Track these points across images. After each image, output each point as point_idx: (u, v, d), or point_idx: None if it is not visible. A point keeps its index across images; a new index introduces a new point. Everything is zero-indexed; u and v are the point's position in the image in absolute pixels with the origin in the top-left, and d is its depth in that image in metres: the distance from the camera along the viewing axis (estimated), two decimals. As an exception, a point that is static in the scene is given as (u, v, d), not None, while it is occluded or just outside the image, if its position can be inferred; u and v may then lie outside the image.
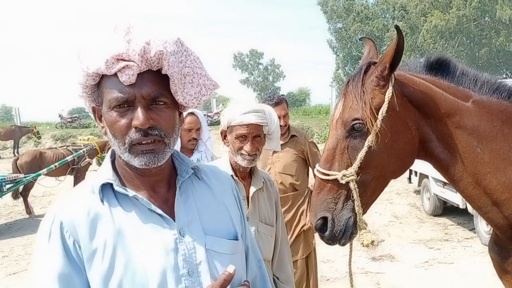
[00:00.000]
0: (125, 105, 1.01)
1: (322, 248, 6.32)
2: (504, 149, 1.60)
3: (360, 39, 1.95)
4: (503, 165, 1.59)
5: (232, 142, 2.11)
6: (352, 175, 1.63)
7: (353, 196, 1.65)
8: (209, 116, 21.58)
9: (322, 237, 1.75)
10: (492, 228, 1.81)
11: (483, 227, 5.90)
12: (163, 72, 1.02)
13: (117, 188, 1.06)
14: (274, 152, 3.36)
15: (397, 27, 1.63)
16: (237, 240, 1.14)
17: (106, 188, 1.07)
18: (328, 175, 1.65)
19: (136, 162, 1.03)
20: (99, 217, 1.03)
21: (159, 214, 1.06)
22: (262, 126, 2.08)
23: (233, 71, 62.58)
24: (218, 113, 20.32)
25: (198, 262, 1.06)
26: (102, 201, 1.04)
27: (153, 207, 1.05)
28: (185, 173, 1.14)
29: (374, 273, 5.24)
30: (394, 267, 5.43)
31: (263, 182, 2.24)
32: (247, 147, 2.07)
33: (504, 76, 33.13)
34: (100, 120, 1.09)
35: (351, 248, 1.97)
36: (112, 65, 0.97)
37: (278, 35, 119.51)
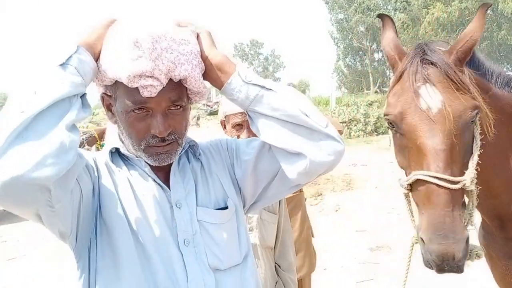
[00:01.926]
0: (143, 110, 1.04)
1: (319, 238, 6.38)
2: (505, 145, 1.59)
3: (378, 16, 1.81)
4: (502, 160, 1.59)
5: (230, 131, 2.12)
6: (475, 178, 1.39)
7: (470, 205, 1.47)
8: (208, 105, 21.56)
9: (458, 268, 1.46)
10: (483, 215, 1.83)
11: (480, 219, 5.94)
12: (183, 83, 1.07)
13: (124, 151, 1.13)
14: None
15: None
16: (226, 208, 1.16)
17: (115, 155, 1.14)
18: (455, 182, 1.35)
19: (150, 161, 1.09)
20: (112, 171, 1.11)
21: (159, 184, 1.12)
22: None
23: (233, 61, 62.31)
24: (217, 102, 20.32)
25: (193, 233, 1.10)
26: (112, 161, 1.13)
27: (154, 176, 1.11)
28: (183, 149, 1.18)
29: (371, 263, 5.27)
30: (392, 257, 5.46)
31: None
32: (243, 135, 2.06)
33: (505, 69, 33.09)
34: (108, 109, 1.12)
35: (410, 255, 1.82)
36: (134, 80, 0.98)
37: (279, 25, 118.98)
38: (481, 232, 1.87)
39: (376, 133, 18.58)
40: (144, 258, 1.04)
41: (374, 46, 47.22)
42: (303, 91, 61.16)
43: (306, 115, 1.04)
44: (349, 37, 46.96)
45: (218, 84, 1.09)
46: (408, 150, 1.46)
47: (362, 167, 12.04)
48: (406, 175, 1.48)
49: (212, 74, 1.09)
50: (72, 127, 0.87)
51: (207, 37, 1.12)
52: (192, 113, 19.73)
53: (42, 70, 0.89)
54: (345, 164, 12.50)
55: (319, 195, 9.25)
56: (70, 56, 0.92)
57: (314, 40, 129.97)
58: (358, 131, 18.41)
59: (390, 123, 1.49)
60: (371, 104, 21.66)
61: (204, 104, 21.59)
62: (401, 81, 1.50)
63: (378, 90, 41.80)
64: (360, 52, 48.23)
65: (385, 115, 1.51)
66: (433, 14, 35.77)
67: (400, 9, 40.97)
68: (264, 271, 2.10)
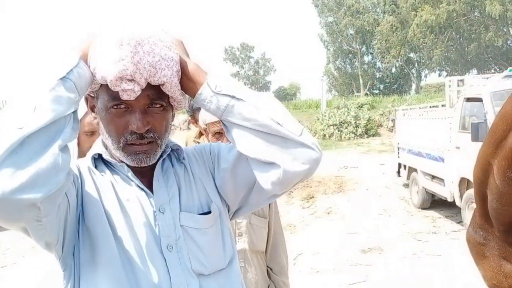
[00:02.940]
0: (123, 106, 1.03)
1: (311, 241, 6.41)
2: None
3: None
4: None
5: (211, 139, 2.12)
6: None
7: None
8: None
9: None
10: (478, 216, 1.83)
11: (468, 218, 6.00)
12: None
13: (106, 157, 1.11)
14: None
15: None
16: (210, 213, 1.16)
17: (98, 161, 1.13)
18: None
19: (128, 160, 1.07)
20: (95, 177, 1.10)
21: (143, 189, 1.10)
22: None
23: (224, 65, 62.30)
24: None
25: (176, 238, 1.09)
26: (95, 167, 1.12)
27: (137, 181, 1.10)
28: (165, 153, 1.16)
29: (363, 265, 5.30)
30: (383, 259, 5.49)
31: None
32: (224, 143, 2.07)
33: (493, 71, 33.47)
34: (92, 110, 1.11)
35: None
36: (116, 83, 0.97)
37: (269, 28, 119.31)
38: (478, 232, 1.87)
39: (366, 135, 18.70)
40: (127, 264, 1.03)
41: (364, 48, 47.55)
42: (294, 94, 61.35)
43: (279, 123, 1.02)
44: (339, 40, 47.24)
45: (191, 94, 1.08)
46: None
47: (353, 170, 12.09)
48: None
49: (184, 83, 1.07)
50: (65, 147, 0.87)
51: (178, 46, 1.10)
52: (183, 117, 19.70)
53: (42, 82, 0.88)
54: (337, 166, 12.56)
55: (311, 198, 9.27)
56: (71, 70, 0.91)
57: (305, 44, 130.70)
58: (349, 133, 18.52)
59: None
60: (361, 107, 21.80)
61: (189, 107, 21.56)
62: None
63: (368, 93, 42.06)
64: (350, 55, 48.52)
65: None
66: (421, 16, 36.13)
67: (389, 12, 41.35)
68: (255, 275, 2.10)
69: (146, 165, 1.08)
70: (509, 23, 36.28)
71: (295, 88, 64.04)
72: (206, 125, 2.14)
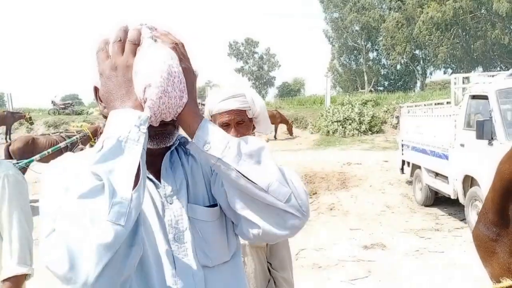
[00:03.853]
0: None
1: (314, 236, 6.42)
2: None
3: None
4: None
5: None
6: None
7: None
8: (203, 104, 21.52)
9: None
10: (491, 213, 1.82)
11: (474, 217, 5.98)
12: None
13: None
14: None
15: None
16: (216, 206, 1.16)
17: None
18: None
19: (148, 143, 1.05)
20: None
21: (151, 180, 1.10)
22: (245, 110, 2.01)
23: (228, 60, 62.22)
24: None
25: (184, 229, 1.10)
26: None
27: (146, 171, 1.08)
28: (173, 145, 1.17)
29: (365, 261, 5.31)
30: (385, 255, 5.50)
31: None
32: (231, 134, 2.05)
33: (498, 69, 33.25)
34: (102, 100, 1.10)
35: None
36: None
37: (274, 23, 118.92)
38: (491, 228, 1.87)
39: (370, 132, 18.64)
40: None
41: (369, 45, 47.34)
42: (298, 90, 61.20)
43: (265, 190, 0.98)
44: (344, 36, 47.04)
45: (186, 132, 1.08)
46: None
47: (357, 166, 12.07)
48: None
49: (178, 120, 1.05)
50: None
51: (179, 51, 1.03)
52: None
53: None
54: (340, 163, 12.55)
55: (314, 194, 9.27)
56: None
57: (309, 39, 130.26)
58: (353, 130, 18.46)
59: None
60: (365, 103, 21.72)
61: (198, 103, 21.59)
62: None
63: (372, 89, 41.91)
64: (355, 51, 48.33)
65: None
66: (427, 13, 35.92)
67: (395, 8, 41.12)
68: (254, 270, 2.10)
69: (164, 146, 1.09)
70: (516, 20, 36.00)
71: (299, 84, 63.90)
72: (211, 116, 2.09)
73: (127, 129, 0.88)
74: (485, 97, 6.12)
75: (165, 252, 1.07)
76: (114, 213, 0.80)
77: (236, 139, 1.03)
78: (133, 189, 0.84)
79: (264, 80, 61.54)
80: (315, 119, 20.82)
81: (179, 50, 1.02)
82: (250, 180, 0.98)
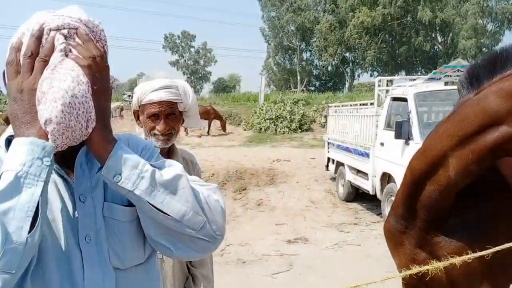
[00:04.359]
0: None
1: (241, 232, 6.48)
2: None
3: None
4: None
5: (144, 122, 1.97)
6: None
7: None
8: (132, 96, 20.85)
9: None
10: (401, 207, 1.91)
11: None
12: None
13: None
14: None
15: None
16: (134, 206, 1.08)
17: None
18: None
19: None
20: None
21: (62, 176, 1.03)
22: (176, 103, 1.96)
23: (163, 52, 60.66)
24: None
25: (97, 228, 1.03)
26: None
27: (56, 167, 1.00)
28: None
29: (288, 255, 5.44)
30: (307, 249, 5.69)
31: (182, 163, 2.14)
32: (159, 126, 1.94)
33: (420, 74, 35.80)
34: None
35: None
36: None
37: (212, 18, 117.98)
38: (400, 221, 1.97)
39: (300, 130, 19.17)
40: (39, 254, 0.94)
41: (303, 45, 48.68)
42: (234, 87, 61.37)
43: (177, 220, 0.96)
44: (280, 36, 47.92)
45: (96, 158, 1.00)
46: None
47: (286, 163, 12.36)
48: None
49: (88, 146, 0.98)
50: None
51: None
52: (116, 104, 18.97)
53: None
54: (270, 159, 12.77)
55: (243, 190, 9.34)
56: None
57: (247, 37, 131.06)
58: (284, 128, 18.88)
59: None
60: (297, 102, 22.30)
61: (129, 96, 20.87)
62: None
63: (304, 89, 43.16)
64: (290, 51, 49.43)
65: None
66: (358, 18, 37.67)
67: (329, 11, 42.63)
68: (172, 267, 2.04)
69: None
70: (437, 29, 38.95)
71: (235, 81, 64.12)
72: (139, 106, 1.99)
73: (28, 163, 0.83)
74: (404, 100, 6.53)
75: (73, 254, 0.99)
76: (5, 262, 0.76)
77: (151, 167, 0.96)
78: (30, 232, 0.79)
79: (200, 75, 60.95)
80: (249, 116, 21.00)
81: (95, 68, 0.92)
82: (163, 212, 0.95)
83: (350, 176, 8.18)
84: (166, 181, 0.97)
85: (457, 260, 1.58)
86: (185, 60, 60.05)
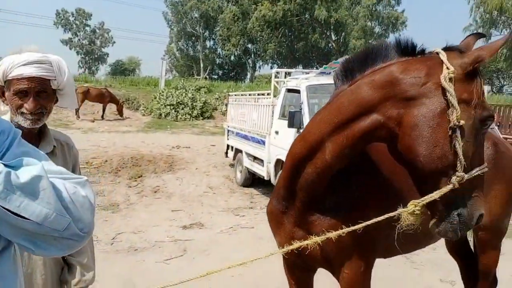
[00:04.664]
0: None
1: (134, 219, 6.26)
2: None
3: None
4: None
5: (11, 99, 1.75)
6: None
7: None
8: None
9: None
10: (282, 189, 1.99)
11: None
12: None
13: None
14: None
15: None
16: None
17: None
18: None
19: None
20: None
21: None
22: (49, 80, 1.78)
23: (54, 30, 55.51)
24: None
25: None
26: None
27: None
28: None
29: (182, 241, 5.40)
30: (202, 234, 5.71)
31: (55, 145, 1.96)
32: (28, 104, 1.73)
33: (315, 69, 37.92)
34: None
35: None
36: None
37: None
38: (281, 202, 2.04)
39: (202, 117, 19.11)
40: None
41: (207, 33, 48.32)
42: (133, 70, 58.69)
43: (39, 223, 0.88)
44: (183, 22, 46.92)
45: None
46: None
47: (185, 150, 12.24)
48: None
49: None
50: None
51: None
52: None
53: None
54: (170, 146, 12.53)
55: (139, 177, 9.03)
56: None
57: (149, 20, 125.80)
58: (185, 114, 18.65)
59: None
60: (199, 89, 22.14)
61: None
62: None
63: (207, 77, 43.00)
64: (193, 38, 48.71)
65: None
66: (260, 11, 38.46)
67: (233, 1, 42.80)
68: (43, 258, 1.88)
69: None
70: (332, 28, 41.48)
71: (134, 64, 61.28)
72: (5, 82, 1.76)
73: None
74: (298, 91, 6.86)
75: None
76: None
77: (5, 169, 0.85)
78: None
79: (96, 56, 57.11)
80: (148, 101, 20.30)
81: None
82: (21, 216, 0.86)
83: (248, 163, 8.40)
84: (23, 184, 0.87)
85: (332, 234, 1.71)
86: (79, 39, 55.70)
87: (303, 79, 7.27)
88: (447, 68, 1.48)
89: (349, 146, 1.66)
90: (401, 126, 1.53)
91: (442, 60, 1.51)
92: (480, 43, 1.68)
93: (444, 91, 1.46)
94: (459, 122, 1.43)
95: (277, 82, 8.39)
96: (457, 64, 1.49)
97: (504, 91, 47.56)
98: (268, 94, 8.47)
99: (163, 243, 5.33)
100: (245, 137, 8.77)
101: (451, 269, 3.24)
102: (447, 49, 1.58)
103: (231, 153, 9.85)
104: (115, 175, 9.00)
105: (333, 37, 42.63)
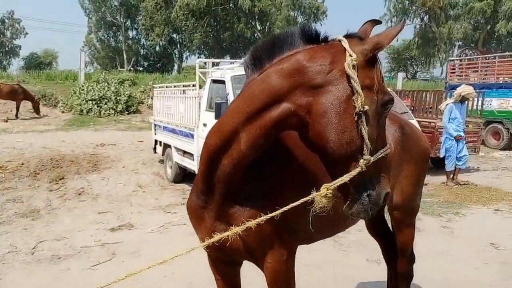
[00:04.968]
0: None
1: (57, 225, 5.88)
2: None
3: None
4: None
5: None
6: None
7: None
8: None
9: None
10: (200, 183, 1.95)
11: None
12: None
13: None
14: None
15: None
16: None
17: None
18: None
19: None
20: None
21: None
22: None
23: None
24: None
25: None
26: None
27: None
28: None
29: (110, 244, 5.18)
30: (132, 235, 5.51)
31: None
32: None
33: (242, 59, 38.03)
34: None
35: None
36: None
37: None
38: (200, 197, 1.99)
39: (127, 112, 18.38)
40: None
41: (129, 23, 46.34)
42: (50, 64, 54.78)
43: None
44: (102, 10, 44.54)
45: None
46: None
47: (111, 147, 11.71)
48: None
49: None
50: None
51: None
52: None
53: None
54: (92, 144, 11.91)
55: (60, 179, 8.47)
56: None
57: (65, 9, 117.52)
58: (109, 109, 17.80)
59: None
60: (122, 82, 21.22)
61: None
62: None
63: (132, 69, 41.40)
64: (114, 28, 46.50)
65: None
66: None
67: (156, -11, 41.40)
68: None
69: None
70: (256, 18, 41.76)
71: (50, 57, 57.15)
72: None
73: None
74: (223, 82, 6.80)
75: None
76: None
77: None
78: None
79: (6, 49, 52.48)
80: (67, 96, 19.08)
81: None
82: None
83: (177, 158, 8.23)
84: None
85: (252, 223, 1.71)
86: (-17, 31, 50.78)
87: (228, 70, 7.23)
88: (350, 55, 1.51)
89: (262, 136, 1.67)
90: (311, 114, 1.55)
91: (344, 48, 1.54)
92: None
93: (348, 78, 1.50)
94: (363, 107, 1.48)
95: (202, 73, 8.27)
96: (358, 51, 1.53)
97: (417, 77, 51.38)
98: (193, 85, 8.33)
99: (89, 248, 5.07)
100: (173, 131, 8.57)
101: (376, 249, 3.42)
102: (348, 36, 1.61)
103: (159, 149, 9.59)
104: (34, 179, 8.37)
105: (258, 27, 42.98)
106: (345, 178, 1.52)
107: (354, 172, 1.51)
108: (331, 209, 1.62)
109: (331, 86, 1.53)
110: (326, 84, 1.53)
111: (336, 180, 1.55)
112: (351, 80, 1.49)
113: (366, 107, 1.48)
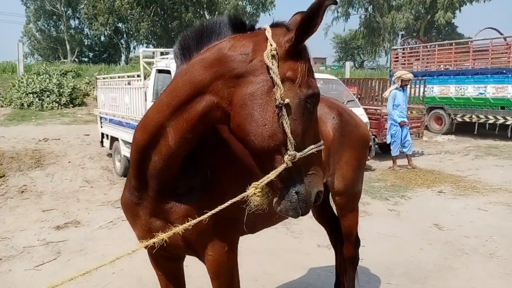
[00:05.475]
0: None
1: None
2: None
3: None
4: None
5: None
6: None
7: None
8: None
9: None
10: (133, 179, 1.88)
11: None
12: None
13: None
14: None
15: None
16: None
17: None
18: None
19: None
20: None
21: None
22: None
23: None
24: None
25: None
26: None
27: None
28: None
29: (55, 242, 4.97)
30: (78, 233, 5.32)
31: None
32: None
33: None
34: None
35: None
36: None
37: None
38: (134, 193, 1.92)
39: (72, 105, 17.58)
40: None
41: (70, 12, 44.11)
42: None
43: None
44: (40, -2, 42.13)
45: None
46: None
47: (55, 142, 11.18)
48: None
49: None
50: None
51: None
52: None
53: None
54: (35, 139, 11.32)
55: (1, 177, 8.00)
56: None
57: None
58: (52, 102, 16.93)
59: None
60: (65, 74, 20.24)
61: None
62: None
63: (76, 60, 39.58)
64: (55, 17, 44.13)
65: None
66: (127, -13, 36.29)
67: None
68: None
69: None
70: (205, 7, 41.17)
71: (-16, 48, 53.36)
72: None
73: None
74: (168, 72, 6.67)
75: None
76: None
77: None
78: None
79: None
80: (6, 90, 17.94)
81: None
82: None
83: (126, 151, 8.00)
84: None
85: (194, 222, 1.64)
86: None
87: (172, 59, 7.08)
88: (271, 44, 1.43)
89: (189, 130, 1.60)
90: (232, 105, 1.48)
91: (267, 37, 1.46)
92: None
93: (268, 68, 1.42)
94: (283, 100, 1.40)
95: (148, 63, 8.06)
96: (282, 40, 1.45)
97: (364, 66, 53.02)
98: (138, 76, 8.10)
99: (33, 248, 4.84)
100: (120, 124, 8.31)
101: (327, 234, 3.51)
102: (274, 25, 1.52)
103: (107, 142, 9.29)
104: (-30, 179, 7.85)
105: (207, 16, 42.42)
106: (272, 175, 1.45)
107: (280, 169, 1.43)
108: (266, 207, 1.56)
109: (252, 76, 1.45)
110: (247, 74, 1.46)
111: (263, 178, 1.48)
112: (270, 71, 1.41)
113: (287, 100, 1.40)
